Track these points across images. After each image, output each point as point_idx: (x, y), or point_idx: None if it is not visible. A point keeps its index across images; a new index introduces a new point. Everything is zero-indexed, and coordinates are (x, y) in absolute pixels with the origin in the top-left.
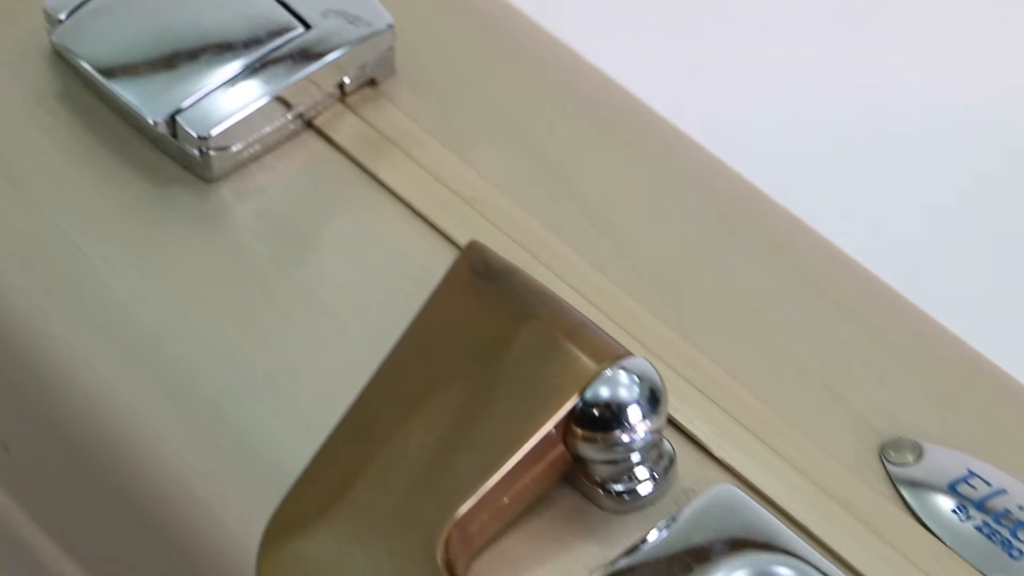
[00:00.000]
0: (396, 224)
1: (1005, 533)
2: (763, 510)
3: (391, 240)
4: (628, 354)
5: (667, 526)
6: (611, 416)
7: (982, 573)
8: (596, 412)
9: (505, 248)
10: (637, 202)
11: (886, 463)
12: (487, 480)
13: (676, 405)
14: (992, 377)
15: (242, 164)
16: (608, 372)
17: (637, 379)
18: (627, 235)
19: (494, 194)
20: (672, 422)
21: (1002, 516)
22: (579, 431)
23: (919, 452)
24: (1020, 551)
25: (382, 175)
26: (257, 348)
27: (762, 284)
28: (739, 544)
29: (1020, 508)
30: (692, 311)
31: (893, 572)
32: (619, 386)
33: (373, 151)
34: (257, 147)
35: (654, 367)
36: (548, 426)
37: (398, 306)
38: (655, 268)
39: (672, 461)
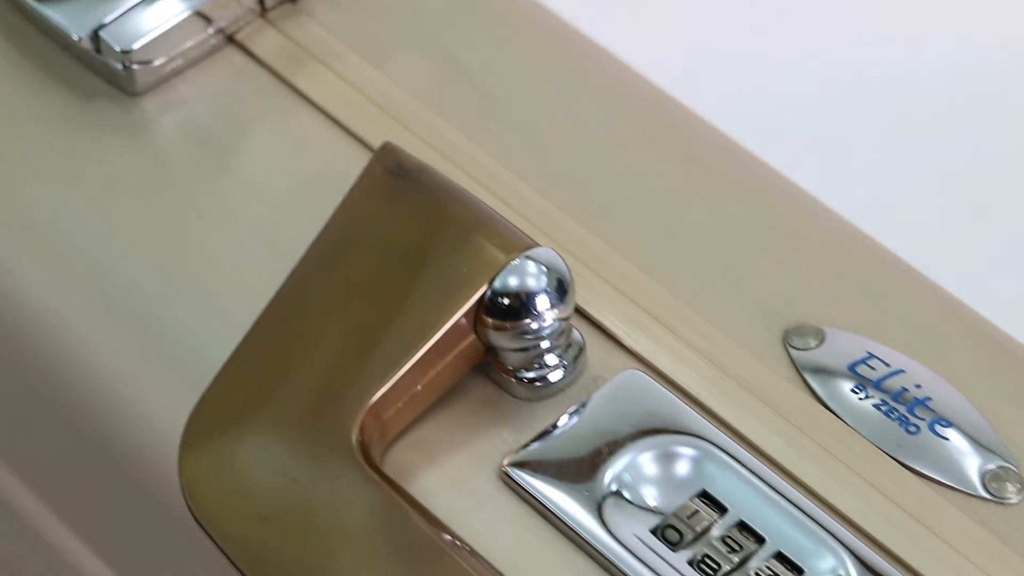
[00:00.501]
0: (315, 132)
1: (902, 410)
2: (670, 394)
3: (310, 148)
4: (535, 245)
5: (577, 411)
6: (519, 304)
7: (880, 449)
8: (505, 301)
9: (420, 151)
10: (550, 106)
11: (789, 348)
12: (400, 368)
13: (586, 296)
14: (891, 265)
15: (165, 78)
16: (516, 262)
17: (544, 268)
18: (540, 136)
19: (410, 101)
20: (581, 313)
21: (899, 395)
22: (489, 320)
23: (821, 337)
24: (917, 427)
25: (301, 86)
26: (179, 250)
27: (670, 180)
28: (646, 427)
29: (917, 387)
30: (602, 207)
31: (795, 450)
32: (527, 275)
33: (293, 64)
34: (179, 61)
35: (561, 257)
36: (458, 315)
37: (317, 208)
38: (565, 167)
39: (581, 349)
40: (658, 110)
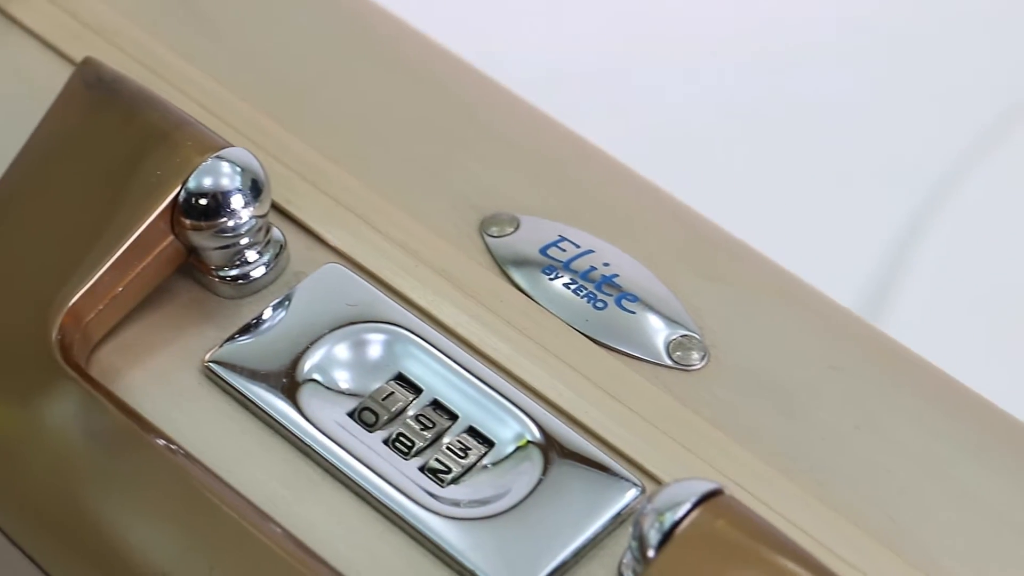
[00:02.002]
0: (26, 56)
1: (590, 288)
2: (368, 285)
3: (21, 70)
4: (228, 145)
5: (278, 306)
6: (214, 204)
7: (570, 325)
8: (200, 201)
9: (127, 67)
10: (263, 22)
11: (486, 236)
12: (97, 270)
13: (286, 196)
14: (584, 152)
15: None
16: (208, 162)
17: (238, 168)
18: (249, 50)
19: (121, 22)
20: (283, 211)
21: (587, 273)
22: (186, 221)
23: (516, 224)
24: (604, 303)
25: (13, 11)
26: None
27: (374, 85)
28: (345, 317)
29: (605, 265)
30: (305, 112)
31: (487, 330)
32: (220, 175)
33: None
34: None
35: (255, 157)
36: (152, 216)
37: (28, 128)
38: (272, 76)
39: (283, 247)
40: (367, 20)
